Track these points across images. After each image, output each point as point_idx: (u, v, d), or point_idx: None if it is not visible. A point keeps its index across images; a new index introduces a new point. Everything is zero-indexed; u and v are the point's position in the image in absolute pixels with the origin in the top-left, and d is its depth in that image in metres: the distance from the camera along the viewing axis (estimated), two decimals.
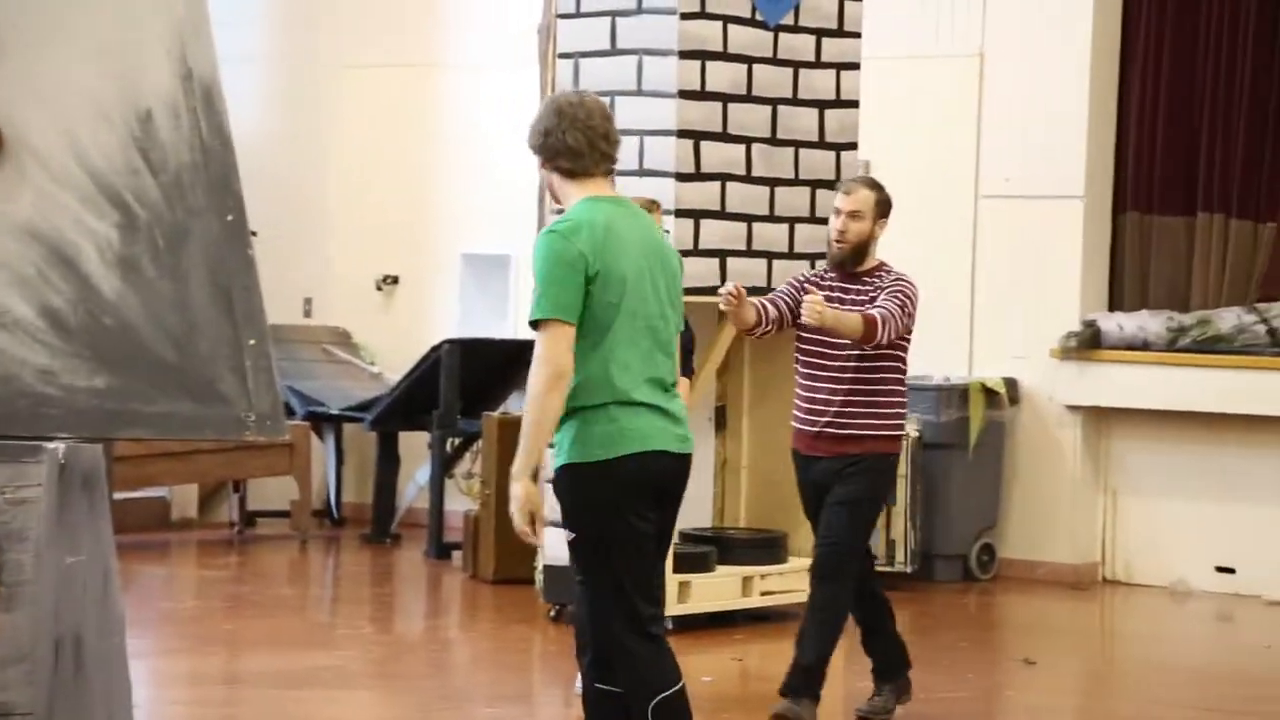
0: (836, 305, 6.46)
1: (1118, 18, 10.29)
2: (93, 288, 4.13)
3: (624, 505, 4.90)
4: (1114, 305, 10.30)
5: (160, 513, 11.36)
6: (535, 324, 4.91)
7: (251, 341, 4.16)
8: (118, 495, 10.46)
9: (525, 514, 4.89)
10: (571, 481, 4.94)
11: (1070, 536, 10.22)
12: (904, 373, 6.64)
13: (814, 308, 6.26)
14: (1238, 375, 9.76)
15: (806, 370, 6.59)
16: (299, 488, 10.97)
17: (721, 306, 6.44)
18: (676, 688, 4.95)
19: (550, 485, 5.09)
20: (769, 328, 6.54)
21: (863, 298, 6.52)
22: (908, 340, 6.60)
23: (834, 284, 6.59)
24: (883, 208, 6.58)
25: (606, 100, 8.34)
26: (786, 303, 6.57)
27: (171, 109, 4.19)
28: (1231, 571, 9.96)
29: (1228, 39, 10.06)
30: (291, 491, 11.02)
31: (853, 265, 6.56)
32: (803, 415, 6.60)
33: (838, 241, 6.54)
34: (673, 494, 5.05)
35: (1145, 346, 9.99)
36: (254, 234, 4.27)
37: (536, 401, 4.85)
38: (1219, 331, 9.85)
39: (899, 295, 6.46)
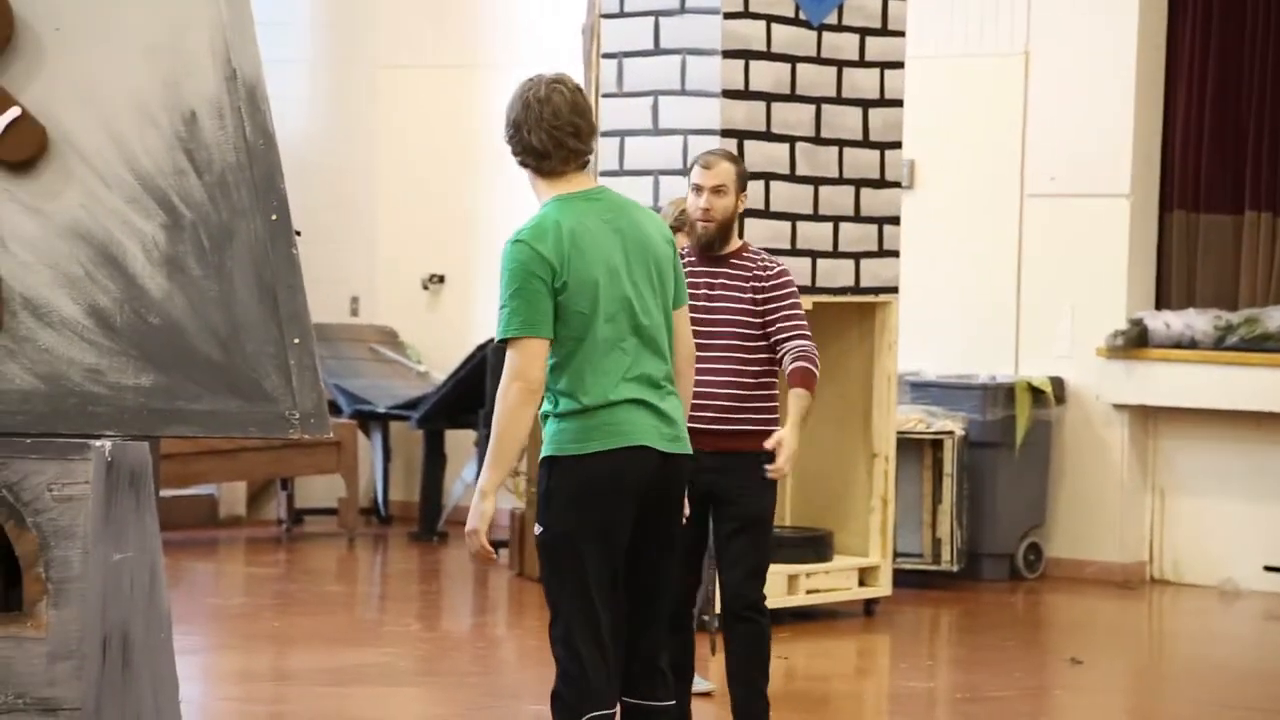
0: (705, 291, 5.98)
1: (1163, 15, 10.25)
2: (139, 287, 4.17)
3: (596, 502, 4.74)
4: (1161, 304, 10.27)
5: (208, 510, 11.43)
6: (504, 341, 4.75)
7: (296, 340, 4.19)
8: (166, 493, 10.54)
9: (484, 533, 4.74)
10: (547, 474, 4.81)
11: (1118, 536, 10.18)
12: (777, 366, 6.14)
13: (782, 470, 5.83)
14: None
15: None
16: (346, 486, 11.03)
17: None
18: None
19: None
20: None
21: (735, 283, 6.03)
22: None
23: (698, 268, 6.01)
24: (743, 180, 6.08)
25: (648, 100, 8.48)
26: None
27: (216, 110, 4.22)
28: None
29: (1275, 36, 10.00)
30: (339, 489, 11.07)
31: (720, 246, 6.04)
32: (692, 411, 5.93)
33: (703, 221, 6.02)
34: (665, 495, 4.86)
35: (1193, 345, 9.95)
36: (298, 233, 4.31)
37: (507, 417, 4.69)
38: (1267, 330, 9.80)
39: (795, 305, 6.00)
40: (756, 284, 6.01)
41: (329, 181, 11.98)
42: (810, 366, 5.92)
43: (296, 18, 12.23)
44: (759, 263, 6.06)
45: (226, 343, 4.16)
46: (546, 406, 4.83)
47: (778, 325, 5.98)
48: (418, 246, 11.99)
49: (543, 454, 4.84)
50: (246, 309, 4.17)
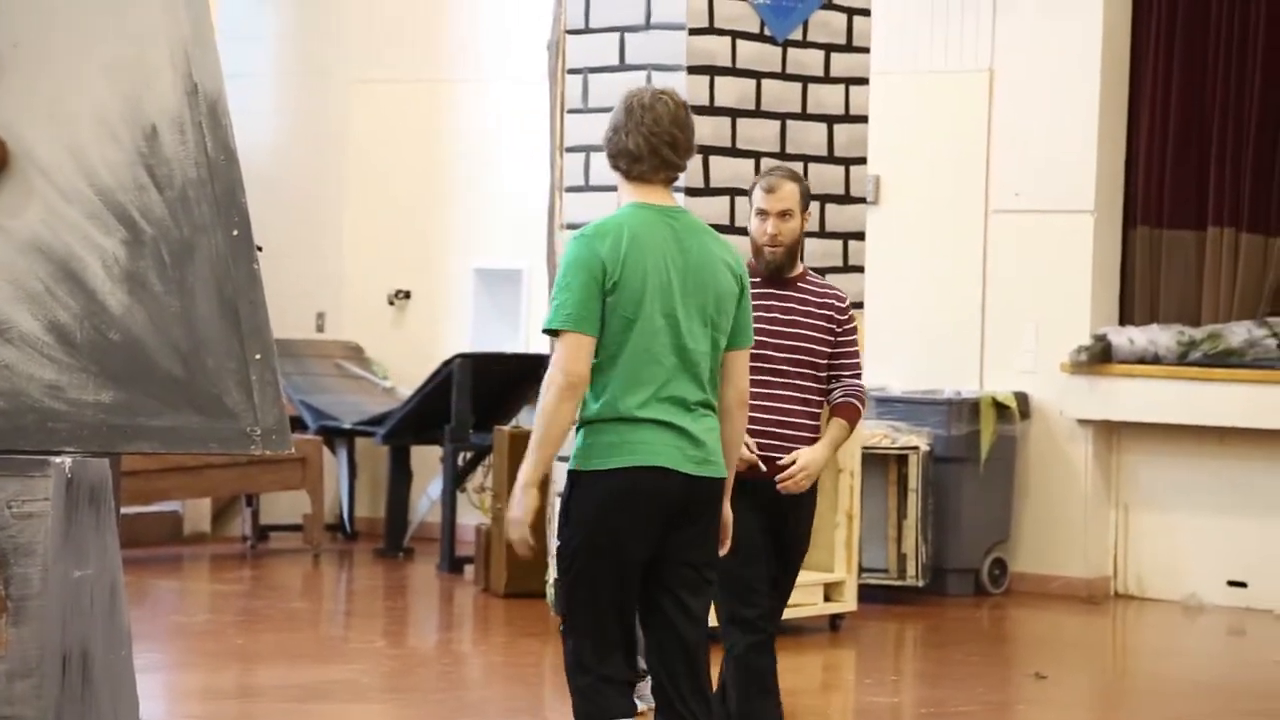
0: (779, 316, 5.76)
1: (1127, 33, 10.30)
2: (99, 303, 4.15)
3: (611, 519, 4.75)
4: (1125, 319, 10.31)
5: (173, 527, 11.39)
6: (551, 333, 4.79)
7: (257, 356, 4.17)
8: (130, 510, 10.50)
9: (527, 524, 4.78)
10: (569, 488, 4.85)
11: (1082, 551, 10.21)
12: None
13: (799, 481, 5.64)
14: (1249, 389, 9.76)
15: (754, 389, 5.50)
16: (311, 502, 11.00)
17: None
18: None
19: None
20: None
21: (806, 308, 5.80)
22: None
23: (765, 290, 5.75)
24: (806, 199, 5.84)
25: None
26: None
27: (177, 125, 4.21)
28: (1244, 586, 9.95)
29: (1237, 53, 10.06)
30: (304, 506, 11.05)
31: (789, 269, 5.80)
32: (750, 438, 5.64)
33: (770, 247, 5.75)
34: (690, 518, 4.82)
35: (1156, 360, 9.99)
36: (259, 249, 4.29)
37: (547, 412, 4.72)
38: (1230, 345, 9.85)
39: (855, 339, 5.87)
40: (835, 316, 5.83)
41: (296, 196, 11.97)
42: (859, 405, 5.84)
43: (265, 32, 12.23)
44: (831, 293, 5.88)
45: (187, 358, 4.15)
46: (580, 412, 4.83)
47: (842, 362, 5.85)
48: (384, 262, 11.97)
49: (568, 467, 4.86)
50: (207, 325, 4.16)
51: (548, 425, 4.73)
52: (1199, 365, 9.88)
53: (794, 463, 5.67)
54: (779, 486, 5.69)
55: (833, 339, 5.84)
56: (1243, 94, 10.06)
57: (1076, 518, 10.21)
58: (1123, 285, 10.36)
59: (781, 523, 5.76)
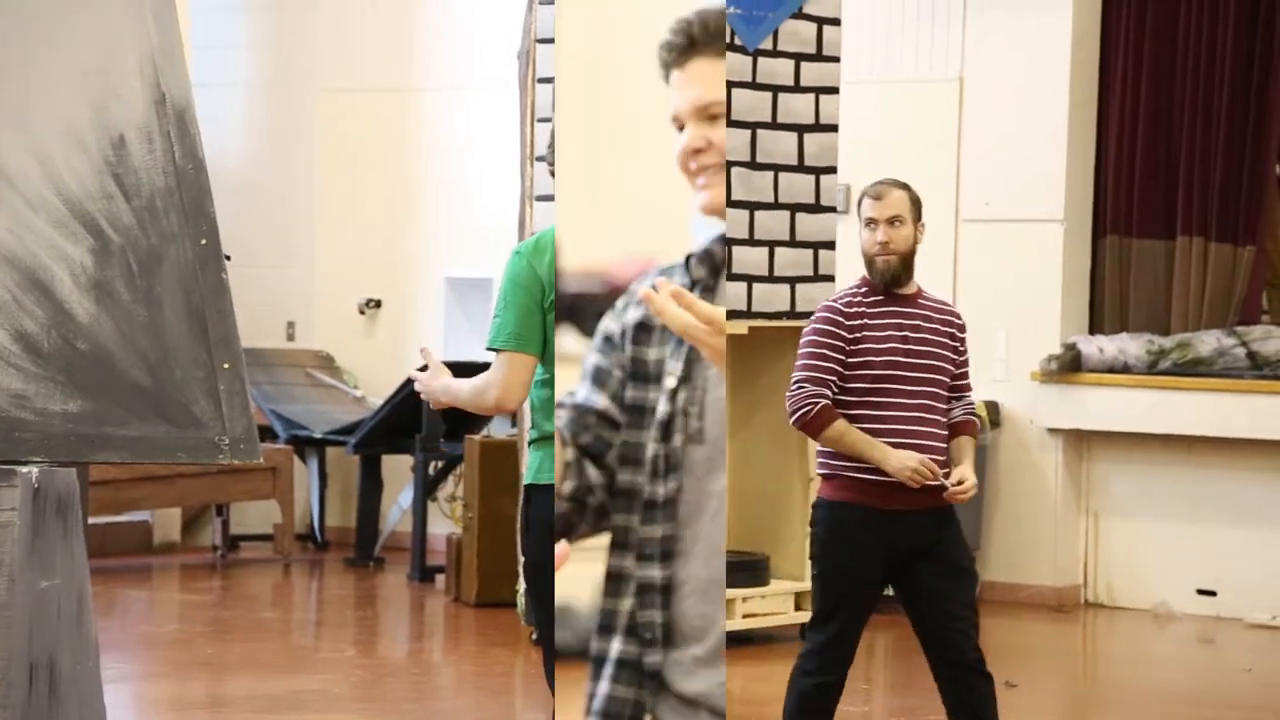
0: (909, 334, 5.56)
1: (1096, 41, 10.34)
2: (66, 312, 4.14)
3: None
4: (1094, 328, 10.34)
5: (143, 537, 11.36)
6: (493, 350, 4.80)
7: (225, 365, 4.16)
8: (100, 520, 10.48)
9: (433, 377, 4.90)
10: (525, 503, 4.89)
11: (1052, 559, 10.23)
12: None
13: (964, 496, 5.56)
14: (1218, 398, 9.80)
15: (885, 410, 5.52)
16: (282, 511, 10.98)
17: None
18: None
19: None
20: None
21: (932, 325, 5.61)
22: None
23: (889, 309, 5.58)
24: (918, 208, 5.61)
25: None
26: (839, 369, 5.55)
27: (145, 134, 4.20)
28: (1213, 594, 9.99)
29: (1205, 62, 10.11)
30: (274, 515, 11.03)
31: (906, 281, 5.58)
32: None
33: (883, 255, 5.53)
34: None
35: (1125, 369, 10.02)
36: (228, 258, 4.29)
37: (475, 402, 4.83)
38: (1199, 354, 9.88)
39: (968, 360, 5.73)
40: (956, 334, 5.67)
41: (267, 205, 11.96)
42: (975, 420, 5.75)
43: (235, 41, 12.21)
44: (948, 309, 5.72)
45: (155, 368, 4.14)
46: (531, 433, 4.86)
47: (963, 382, 5.72)
48: (354, 271, 11.96)
49: (524, 481, 4.89)
50: (175, 334, 4.15)
51: (469, 404, 4.86)
52: (1168, 374, 9.91)
53: (957, 480, 5.58)
54: (952, 499, 5.57)
55: (956, 357, 5.68)
56: (1211, 103, 10.10)
57: (1046, 526, 10.23)
58: (1092, 294, 10.39)
59: (935, 543, 5.62)
